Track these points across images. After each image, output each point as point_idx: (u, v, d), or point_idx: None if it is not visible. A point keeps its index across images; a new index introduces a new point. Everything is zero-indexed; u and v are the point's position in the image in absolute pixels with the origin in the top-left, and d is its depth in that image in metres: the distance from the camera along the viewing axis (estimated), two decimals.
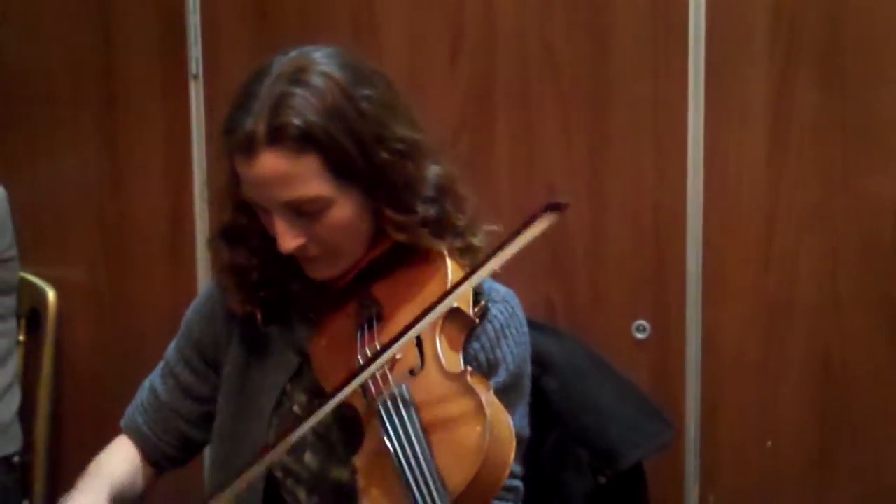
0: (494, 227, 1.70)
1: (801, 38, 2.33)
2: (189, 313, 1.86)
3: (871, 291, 2.36)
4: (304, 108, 1.52)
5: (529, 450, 1.74)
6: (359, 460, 1.52)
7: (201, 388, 1.81)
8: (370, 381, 1.53)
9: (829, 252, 2.36)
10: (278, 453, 1.54)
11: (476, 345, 1.65)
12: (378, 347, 1.55)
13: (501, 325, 1.67)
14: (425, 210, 1.62)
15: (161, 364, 1.87)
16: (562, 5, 2.44)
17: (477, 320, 1.62)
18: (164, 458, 1.85)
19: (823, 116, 2.34)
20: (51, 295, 2.82)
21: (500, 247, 1.44)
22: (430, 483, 1.40)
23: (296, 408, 1.70)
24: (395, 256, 1.66)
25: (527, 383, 1.72)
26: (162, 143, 2.75)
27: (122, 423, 1.88)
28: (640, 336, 2.45)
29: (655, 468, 2.08)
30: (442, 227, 1.64)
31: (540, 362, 1.76)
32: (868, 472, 2.40)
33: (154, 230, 2.78)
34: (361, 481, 1.50)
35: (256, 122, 1.53)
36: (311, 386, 1.68)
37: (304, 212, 1.57)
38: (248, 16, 2.64)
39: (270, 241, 1.62)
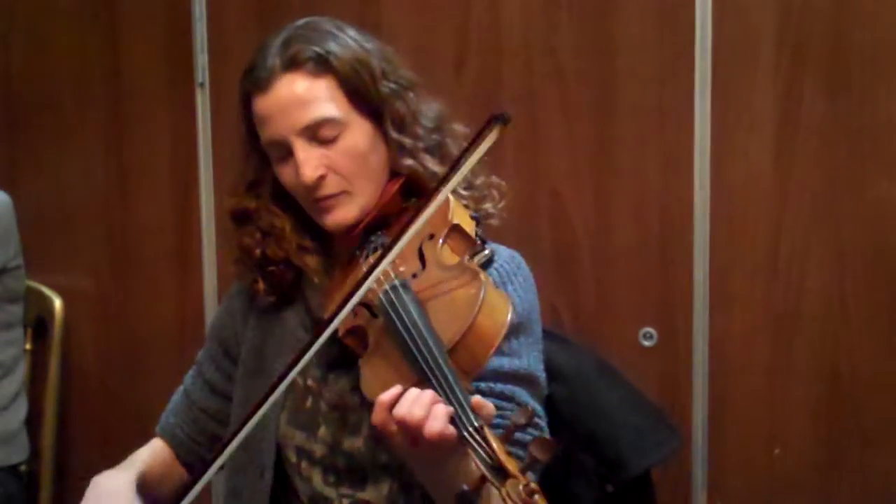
0: (493, 178, 1.80)
1: (808, 44, 2.32)
2: (214, 317, 1.95)
3: (879, 298, 2.35)
4: (316, 39, 1.68)
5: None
6: (362, 359, 1.55)
7: (227, 384, 1.86)
8: (373, 294, 1.55)
9: (837, 259, 2.35)
10: (289, 379, 1.54)
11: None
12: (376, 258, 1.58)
13: (507, 272, 1.71)
14: (427, 136, 1.74)
15: (193, 366, 1.94)
16: (568, 11, 2.44)
17: (479, 241, 1.67)
18: (196, 459, 1.88)
19: (830, 122, 2.33)
20: (57, 303, 2.83)
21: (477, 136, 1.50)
22: (427, 337, 1.42)
23: (310, 382, 1.73)
24: (402, 209, 1.72)
25: (536, 329, 1.74)
26: (168, 151, 2.76)
27: (158, 426, 1.93)
28: (647, 343, 2.45)
29: (663, 476, 2.08)
30: (443, 156, 1.74)
31: (547, 370, 1.76)
32: (876, 479, 2.39)
33: (160, 238, 2.79)
34: (362, 367, 1.53)
35: (273, 59, 1.66)
36: (327, 358, 1.70)
37: (322, 138, 1.65)
38: (254, 24, 2.65)
39: (278, 216, 1.72)
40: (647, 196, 2.43)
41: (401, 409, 1.37)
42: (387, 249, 1.52)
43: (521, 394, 1.64)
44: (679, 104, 2.39)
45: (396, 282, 1.54)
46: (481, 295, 1.45)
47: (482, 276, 1.50)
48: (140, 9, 2.74)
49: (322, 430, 1.70)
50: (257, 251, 1.74)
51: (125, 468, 1.74)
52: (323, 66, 1.65)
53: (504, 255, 1.74)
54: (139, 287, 2.83)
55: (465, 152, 1.51)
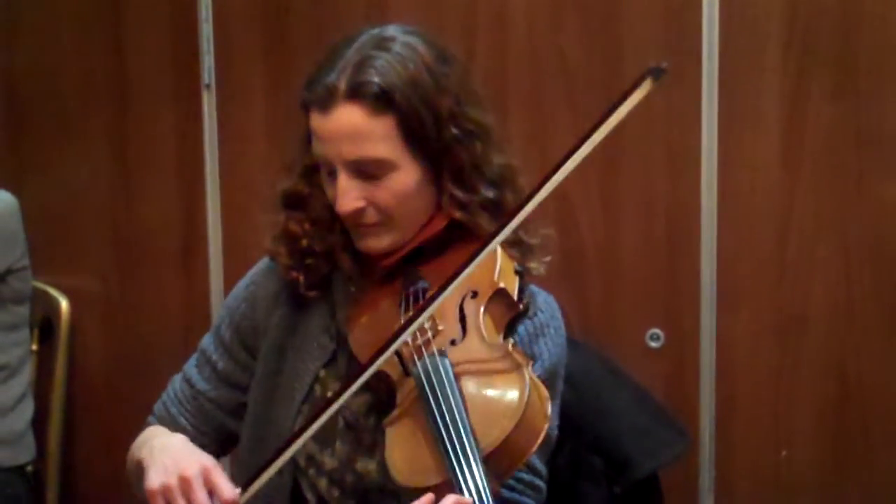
0: (549, 231, 1.73)
1: (815, 46, 2.33)
2: (229, 300, 1.84)
3: (885, 300, 2.35)
4: (386, 71, 1.57)
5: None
6: (388, 423, 1.51)
7: (240, 375, 1.79)
8: (415, 348, 1.53)
9: (843, 261, 2.36)
10: (314, 430, 1.51)
11: (515, 338, 1.64)
12: (416, 310, 1.55)
13: (542, 323, 1.69)
14: (486, 192, 1.65)
15: (195, 355, 1.84)
16: (574, 12, 2.44)
17: (522, 307, 1.62)
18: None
19: (837, 125, 2.33)
20: (63, 304, 2.83)
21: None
22: (463, 435, 1.39)
23: (329, 395, 1.68)
24: (444, 242, 1.67)
25: (559, 385, 1.73)
26: (174, 153, 2.76)
27: (153, 417, 1.85)
28: (654, 345, 2.45)
29: (670, 477, 2.08)
30: (500, 213, 1.66)
31: None
32: (883, 480, 2.39)
33: (166, 239, 2.79)
34: (389, 438, 1.49)
35: (338, 78, 1.58)
36: (346, 372, 1.67)
37: (368, 174, 1.59)
38: (260, 26, 2.65)
39: (328, 209, 1.66)
40: (654, 198, 2.44)
41: None
42: (433, 296, 1.48)
43: (533, 455, 1.60)
44: (686, 106, 2.39)
45: (435, 352, 1.50)
46: (525, 398, 1.41)
47: (526, 373, 1.45)
48: (146, 10, 2.74)
49: (338, 446, 1.67)
50: (304, 241, 1.69)
51: (168, 434, 1.71)
52: (386, 103, 1.56)
53: (539, 301, 1.71)
54: (145, 287, 2.83)
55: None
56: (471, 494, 1.34)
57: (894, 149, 2.32)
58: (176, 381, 1.85)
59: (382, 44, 1.61)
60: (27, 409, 2.73)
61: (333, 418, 1.66)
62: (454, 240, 1.67)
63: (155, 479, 1.50)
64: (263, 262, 1.81)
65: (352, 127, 1.57)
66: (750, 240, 2.40)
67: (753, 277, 2.41)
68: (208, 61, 2.68)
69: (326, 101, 1.58)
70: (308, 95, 1.62)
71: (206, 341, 1.84)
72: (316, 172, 1.68)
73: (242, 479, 1.77)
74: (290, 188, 1.72)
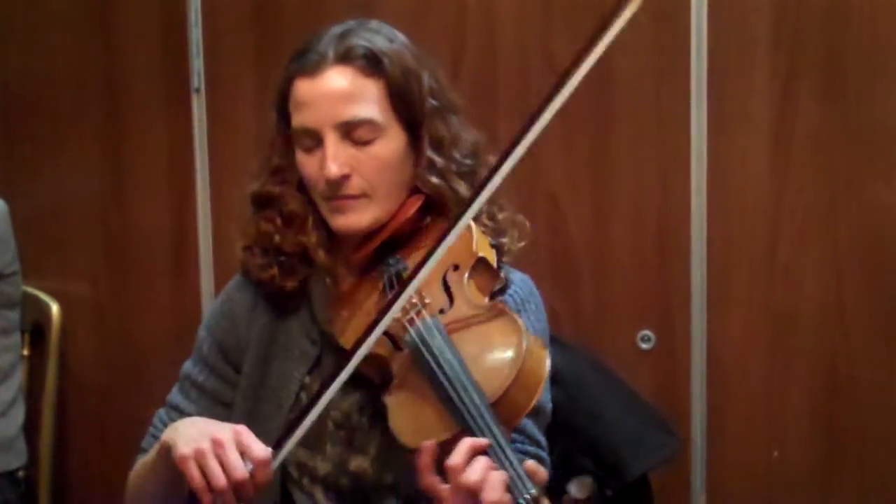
0: (522, 218, 1.76)
1: (803, 48, 2.33)
2: (206, 320, 1.84)
3: (876, 301, 2.35)
4: (373, 39, 1.66)
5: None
6: (388, 395, 1.52)
7: (227, 392, 1.78)
8: (397, 325, 1.53)
9: (834, 262, 2.36)
10: (310, 421, 1.52)
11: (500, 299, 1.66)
12: (400, 285, 1.55)
13: (522, 299, 1.70)
14: (462, 161, 1.71)
15: (177, 383, 1.83)
16: (563, 15, 2.44)
17: (502, 276, 1.65)
18: None
19: (826, 126, 2.34)
20: (54, 309, 2.82)
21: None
22: (468, 388, 1.40)
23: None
24: (419, 226, 1.70)
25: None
26: (164, 157, 2.75)
27: (141, 454, 1.79)
28: (644, 346, 2.45)
29: (662, 479, 2.08)
30: (473, 183, 1.69)
31: None
32: (875, 481, 2.39)
33: (157, 243, 2.78)
34: (391, 406, 1.49)
35: (327, 47, 1.65)
36: (332, 374, 1.67)
37: (356, 137, 1.63)
38: (250, 30, 2.65)
39: (301, 205, 1.69)
40: (644, 200, 2.44)
41: (456, 466, 1.35)
42: (414, 271, 1.49)
43: (531, 427, 1.64)
44: (675, 108, 2.39)
45: (429, 319, 1.51)
46: (524, 345, 1.43)
47: (520, 323, 1.47)
48: (136, 15, 2.73)
49: (328, 449, 1.67)
50: (276, 237, 1.70)
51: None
52: (376, 66, 1.63)
53: (516, 279, 1.73)
54: (136, 292, 2.82)
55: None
56: (493, 451, 1.35)
57: (884, 149, 2.32)
58: (161, 413, 1.83)
59: (363, 24, 1.70)
60: (18, 414, 2.73)
61: (322, 421, 1.66)
62: (427, 224, 1.69)
63: (185, 446, 1.48)
64: (235, 280, 1.82)
65: (342, 87, 1.62)
66: (740, 241, 2.40)
67: (744, 278, 2.41)
68: (198, 65, 2.68)
69: (315, 66, 1.63)
70: (293, 66, 1.67)
71: (188, 366, 1.83)
72: (284, 171, 1.71)
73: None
74: (260, 189, 1.74)
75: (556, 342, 1.99)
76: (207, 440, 1.47)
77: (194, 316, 2.74)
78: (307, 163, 1.66)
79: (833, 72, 2.32)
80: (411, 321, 1.53)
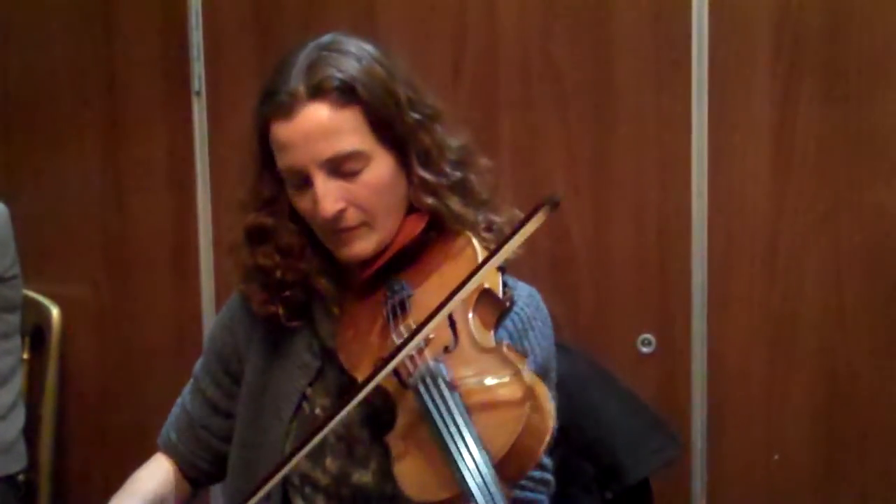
0: (516, 211, 1.71)
1: (805, 49, 2.33)
2: (212, 329, 1.86)
3: (876, 303, 2.35)
4: (342, 65, 1.59)
5: None
6: (394, 438, 1.50)
7: (227, 403, 1.80)
8: (403, 362, 1.51)
9: (834, 264, 2.35)
10: (307, 451, 1.50)
11: (503, 333, 1.64)
12: (412, 327, 1.53)
13: (528, 317, 1.68)
14: (452, 174, 1.66)
15: (191, 380, 1.86)
16: (564, 17, 2.44)
17: (508, 303, 1.62)
18: (200, 474, 1.84)
19: (827, 128, 2.33)
20: (55, 312, 2.82)
21: (526, 219, 1.43)
22: (473, 446, 1.36)
23: (318, 411, 1.68)
24: (422, 244, 1.67)
25: (553, 378, 1.72)
26: (165, 160, 2.75)
27: (159, 440, 1.87)
28: (645, 350, 2.44)
29: (662, 483, 2.08)
30: (467, 194, 1.67)
31: None
32: (875, 484, 2.39)
33: (158, 247, 2.78)
34: (397, 457, 1.47)
35: (297, 83, 1.57)
36: (336, 386, 1.67)
37: (343, 171, 1.58)
38: (250, 32, 2.65)
39: (297, 236, 1.65)
40: (644, 202, 2.43)
41: None
42: (421, 325, 1.47)
43: None
44: (676, 110, 2.39)
45: (431, 364, 1.48)
46: (528, 401, 1.40)
47: (525, 374, 1.43)
48: (136, 18, 2.73)
49: (329, 461, 1.66)
50: (277, 273, 1.67)
51: (130, 494, 1.71)
52: (350, 95, 1.57)
53: (523, 295, 1.71)
54: (137, 295, 2.82)
55: (510, 236, 1.44)
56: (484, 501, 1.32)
57: (884, 151, 2.32)
58: (177, 406, 1.88)
59: (329, 46, 1.62)
60: (18, 418, 2.73)
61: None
62: (430, 242, 1.67)
63: None
64: (237, 293, 1.80)
65: (320, 125, 1.57)
66: (741, 244, 2.40)
67: (745, 281, 2.41)
68: (198, 68, 2.68)
69: (289, 107, 1.57)
70: (266, 108, 1.61)
71: (198, 368, 1.86)
72: (275, 203, 1.67)
73: (228, 503, 1.77)
74: (253, 222, 1.69)
75: (556, 346, 1.99)
76: None
77: (194, 319, 2.74)
78: (301, 200, 1.62)
79: (834, 73, 2.32)
80: (416, 360, 1.50)
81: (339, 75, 1.57)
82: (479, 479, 1.34)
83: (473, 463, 1.35)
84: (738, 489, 2.44)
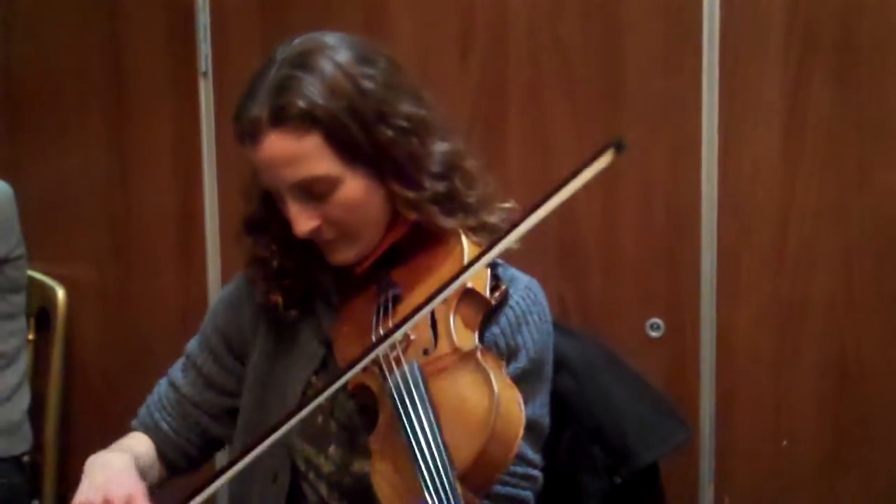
0: (509, 205, 1.71)
1: (816, 35, 2.31)
2: (215, 304, 1.87)
3: (886, 289, 2.34)
4: (305, 90, 1.56)
5: (545, 447, 1.73)
6: (374, 439, 1.52)
7: (225, 378, 1.81)
8: (386, 362, 1.52)
9: (844, 250, 2.35)
10: (288, 428, 1.51)
11: (496, 329, 1.64)
12: (391, 326, 1.55)
13: (523, 311, 1.66)
14: (433, 186, 1.64)
15: (181, 359, 1.86)
16: (574, 2, 2.42)
17: (493, 302, 1.62)
18: (180, 457, 1.83)
19: (838, 114, 2.32)
20: (60, 293, 2.82)
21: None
22: (437, 457, 1.38)
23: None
24: (414, 241, 1.67)
25: (548, 371, 1.72)
26: (171, 141, 2.74)
27: (136, 421, 1.87)
28: (654, 335, 2.44)
29: (671, 467, 2.07)
30: (452, 203, 1.66)
31: (555, 361, 1.75)
32: (883, 470, 2.39)
33: (163, 228, 2.78)
34: (374, 458, 1.49)
35: (260, 108, 1.57)
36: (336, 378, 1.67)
37: (314, 193, 1.59)
38: (257, 13, 2.64)
39: (290, 228, 1.65)
40: (654, 187, 2.43)
41: None
42: (398, 324, 1.48)
43: (523, 446, 1.60)
44: (686, 94, 2.38)
45: (406, 367, 1.49)
46: (493, 412, 1.40)
47: (495, 382, 1.43)
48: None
49: (332, 449, 1.67)
50: (274, 262, 1.69)
51: (120, 451, 1.71)
52: (310, 121, 1.55)
53: (520, 287, 1.69)
54: (142, 277, 2.82)
55: (570, 177, 1.44)
56: None
57: (895, 137, 2.31)
58: (161, 386, 1.87)
59: (299, 60, 1.59)
60: (23, 399, 2.73)
61: (326, 422, 1.66)
62: (423, 238, 1.67)
63: (82, 492, 1.55)
64: (245, 272, 1.81)
65: (282, 153, 1.57)
66: (751, 229, 2.39)
67: (754, 266, 2.40)
68: (205, 49, 2.67)
69: (253, 134, 1.58)
70: (238, 130, 1.62)
71: (192, 345, 1.85)
72: (272, 195, 1.68)
73: (233, 487, 1.77)
74: (251, 214, 1.73)
75: (565, 330, 1.98)
76: (101, 496, 1.52)
77: (200, 300, 2.74)
78: (284, 211, 1.64)
79: (846, 59, 2.30)
80: (397, 360, 1.51)
81: (301, 103, 1.55)
82: (442, 491, 1.35)
83: (438, 473, 1.36)
84: (747, 474, 2.44)
